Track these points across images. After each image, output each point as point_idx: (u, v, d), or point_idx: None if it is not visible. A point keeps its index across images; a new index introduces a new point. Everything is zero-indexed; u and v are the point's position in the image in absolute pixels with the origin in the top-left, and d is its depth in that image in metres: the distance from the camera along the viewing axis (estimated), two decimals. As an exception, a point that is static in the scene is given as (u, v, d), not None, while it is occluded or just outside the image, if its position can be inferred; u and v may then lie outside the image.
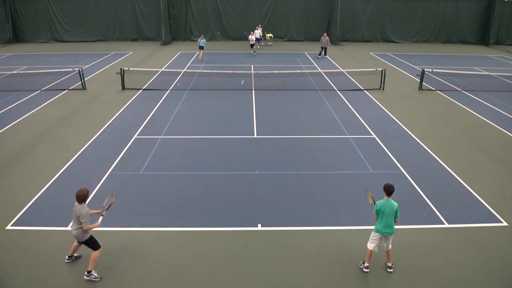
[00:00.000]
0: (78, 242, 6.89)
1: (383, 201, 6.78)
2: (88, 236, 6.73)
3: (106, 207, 7.11)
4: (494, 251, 7.50)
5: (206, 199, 9.21)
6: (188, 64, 25.03)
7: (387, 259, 7.07)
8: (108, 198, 7.27)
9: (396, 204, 6.79)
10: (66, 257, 7.17)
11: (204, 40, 26.71)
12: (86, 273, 6.73)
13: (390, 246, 6.95)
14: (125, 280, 6.76)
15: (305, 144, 12.45)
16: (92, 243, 6.80)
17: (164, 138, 12.88)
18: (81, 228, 6.58)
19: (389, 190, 6.75)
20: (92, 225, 6.72)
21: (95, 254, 6.77)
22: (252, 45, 28.99)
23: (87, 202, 6.80)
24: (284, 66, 24.16)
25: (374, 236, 6.91)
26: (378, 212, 6.79)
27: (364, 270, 7.00)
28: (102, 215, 7.09)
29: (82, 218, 6.50)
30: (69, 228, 8.06)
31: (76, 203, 6.63)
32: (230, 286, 6.65)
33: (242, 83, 8.67)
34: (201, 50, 26.48)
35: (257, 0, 35.60)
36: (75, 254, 7.20)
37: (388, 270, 7.02)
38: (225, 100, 17.01)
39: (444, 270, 7.00)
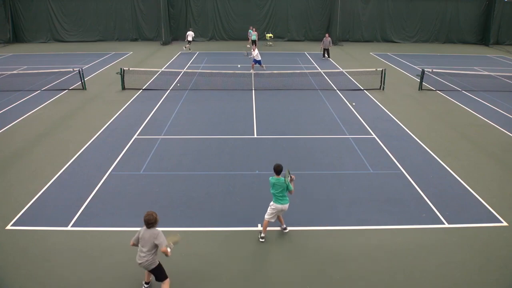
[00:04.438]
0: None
1: (274, 179, 7.55)
2: (157, 263, 6.11)
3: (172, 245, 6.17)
4: (494, 251, 7.50)
5: (206, 199, 9.22)
6: (188, 64, 25.03)
7: (281, 223, 8.01)
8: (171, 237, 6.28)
9: (283, 178, 7.51)
10: (144, 283, 6.55)
11: (255, 34, 29.93)
12: None
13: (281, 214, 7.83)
14: (125, 280, 6.76)
15: (305, 144, 12.45)
16: (161, 271, 6.17)
17: (164, 138, 12.88)
18: (152, 253, 5.99)
19: (277, 170, 7.51)
20: (167, 251, 5.92)
21: (166, 283, 6.16)
22: (253, 42, 28.86)
23: None
24: (284, 66, 24.17)
25: (273, 210, 7.63)
26: (272, 187, 7.58)
27: (260, 240, 7.75)
28: (170, 247, 6.06)
29: (158, 239, 5.89)
30: (69, 228, 8.09)
31: (144, 227, 6.02)
32: (230, 286, 6.65)
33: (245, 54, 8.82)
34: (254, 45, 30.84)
35: (257, 0, 35.62)
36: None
37: (284, 231, 8.00)
38: (225, 100, 17.01)
39: (444, 270, 7.00)
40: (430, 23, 36.52)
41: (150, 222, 5.98)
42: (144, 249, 5.99)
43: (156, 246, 5.97)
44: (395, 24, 36.60)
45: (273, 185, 7.55)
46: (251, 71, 20.90)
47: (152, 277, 6.48)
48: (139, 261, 6.05)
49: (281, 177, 7.54)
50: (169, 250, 5.95)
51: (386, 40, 36.80)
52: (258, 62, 22.27)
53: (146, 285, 6.56)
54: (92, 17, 34.98)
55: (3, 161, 11.20)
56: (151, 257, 6.01)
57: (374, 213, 8.67)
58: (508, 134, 13.61)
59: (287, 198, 7.65)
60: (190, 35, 29.76)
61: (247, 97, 17.60)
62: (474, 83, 20.53)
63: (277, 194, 7.56)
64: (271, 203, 7.68)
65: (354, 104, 15.99)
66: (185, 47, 30.13)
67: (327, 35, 28.43)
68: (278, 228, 8.14)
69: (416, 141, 12.78)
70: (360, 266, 7.12)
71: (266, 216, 7.71)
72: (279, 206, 7.58)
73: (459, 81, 20.88)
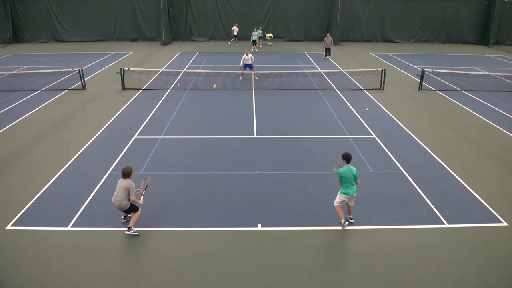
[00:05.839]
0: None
1: (344, 168, 7.90)
2: (128, 205, 7.76)
3: (144, 188, 8.23)
4: (494, 251, 7.50)
5: (206, 199, 9.22)
6: (188, 64, 25.04)
7: (348, 213, 8.24)
8: (144, 181, 8.45)
9: (355, 168, 7.94)
10: (122, 217, 8.25)
11: (256, 33, 30.81)
12: (127, 229, 7.80)
13: (352, 204, 8.16)
14: (125, 280, 6.76)
15: (305, 144, 12.45)
16: (133, 208, 7.82)
17: (164, 138, 12.88)
18: (124, 197, 7.61)
19: (347, 158, 7.93)
20: (137, 199, 7.80)
21: (136, 214, 7.86)
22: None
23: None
24: (284, 66, 24.17)
25: (340, 198, 7.98)
26: (341, 178, 7.88)
27: (345, 226, 8.00)
28: (142, 194, 8.15)
29: (131, 190, 7.63)
30: (69, 228, 8.11)
31: (121, 179, 7.74)
32: (230, 286, 6.65)
33: (214, 86, 8.54)
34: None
35: (257, 0, 35.62)
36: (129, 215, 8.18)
37: (351, 220, 8.20)
38: (225, 100, 17.01)
39: (444, 270, 7.01)
40: (430, 23, 36.50)
41: (125, 174, 7.71)
42: (118, 195, 7.66)
43: (127, 192, 7.64)
44: (395, 24, 36.59)
45: (343, 175, 7.81)
46: (240, 77, 20.74)
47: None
48: (115, 204, 7.73)
49: (350, 165, 7.89)
50: (142, 198, 8.01)
51: (386, 40, 36.78)
52: (249, 66, 20.40)
53: (123, 218, 8.24)
54: (92, 17, 34.95)
55: (3, 161, 11.20)
56: (123, 200, 7.64)
57: (374, 213, 8.67)
58: (508, 134, 13.61)
59: (355, 187, 7.95)
60: (235, 29, 32.70)
61: (247, 97, 17.60)
62: (474, 83, 20.53)
63: (345, 184, 7.86)
64: (339, 193, 7.98)
65: (367, 109, 15.86)
66: (230, 42, 33.47)
67: (328, 34, 28.35)
68: (278, 228, 8.14)
69: (416, 141, 12.78)
70: (360, 266, 7.13)
71: (336, 204, 8.05)
72: (348, 196, 7.92)
73: (459, 81, 20.89)
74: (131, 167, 7.84)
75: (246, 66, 20.46)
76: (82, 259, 7.19)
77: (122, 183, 7.71)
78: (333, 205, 8.12)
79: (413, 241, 7.77)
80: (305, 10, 35.96)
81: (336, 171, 8.15)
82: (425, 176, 10.40)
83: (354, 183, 7.92)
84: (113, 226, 8.11)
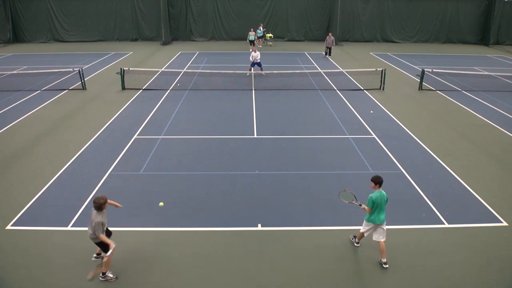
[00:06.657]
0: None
1: (377, 193, 6.88)
2: (98, 240, 6.64)
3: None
4: (494, 251, 7.50)
5: (206, 199, 9.22)
6: (188, 64, 25.03)
7: (381, 255, 7.06)
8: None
9: (384, 192, 6.96)
10: (94, 255, 7.19)
11: (254, 33, 30.35)
12: (101, 274, 6.71)
13: (383, 238, 7.01)
14: (125, 280, 6.76)
15: (305, 144, 12.45)
16: (103, 245, 6.62)
17: (164, 138, 12.88)
18: (92, 228, 6.54)
19: (379, 182, 6.89)
20: (104, 238, 6.55)
21: (106, 259, 6.62)
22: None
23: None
24: (284, 66, 24.17)
25: (367, 226, 7.12)
26: (373, 205, 6.88)
27: (356, 244, 7.55)
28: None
29: (94, 225, 6.46)
30: (69, 228, 8.11)
31: (93, 208, 6.60)
32: (230, 286, 6.65)
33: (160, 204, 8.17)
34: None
35: (257, 0, 35.63)
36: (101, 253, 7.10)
37: (384, 266, 7.00)
38: (225, 100, 17.01)
39: (444, 270, 7.00)
40: (430, 23, 36.51)
41: (94, 205, 6.54)
42: (89, 225, 6.62)
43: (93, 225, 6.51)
44: (395, 24, 36.60)
45: (376, 201, 6.83)
46: (247, 73, 21.00)
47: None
48: (88, 233, 6.69)
49: (382, 190, 6.91)
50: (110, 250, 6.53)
51: (386, 40, 36.79)
52: (258, 64, 20.90)
53: (95, 256, 7.16)
54: (92, 17, 34.96)
55: (3, 161, 11.20)
56: (92, 233, 6.55)
57: (374, 213, 8.66)
58: (508, 134, 13.61)
59: (384, 215, 6.95)
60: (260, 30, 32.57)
61: (247, 97, 17.60)
62: (474, 83, 20.53)
63: (376, 211, 6.90)
64: (365, 220, 7.14)
65: (372, 112, 15.76)
66: (264, 43, 33.40)
67: (330, 34, 28.48)
68: (278, 228, 8.14)
69: (416, 141, 12.78)
70: (360, 266, 7.12)
71: (361, 230, 7.29)
72: (375, 224, 6.99)
73: (459, 81, 20.88)
74: (103, 198, 6.57)
75: (254, 64, 20.93)
76: (82, 259, 7.19)
77: (91, 213, 6.69)
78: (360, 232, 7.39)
79: (413, 241, 7.77)
80: (305, 10, 35.97)
81: (347, 202, 7.38)
82: (425, 176, 10.40)
83: (384, 210, 6.94)
84: (112, 227, 8.08)
